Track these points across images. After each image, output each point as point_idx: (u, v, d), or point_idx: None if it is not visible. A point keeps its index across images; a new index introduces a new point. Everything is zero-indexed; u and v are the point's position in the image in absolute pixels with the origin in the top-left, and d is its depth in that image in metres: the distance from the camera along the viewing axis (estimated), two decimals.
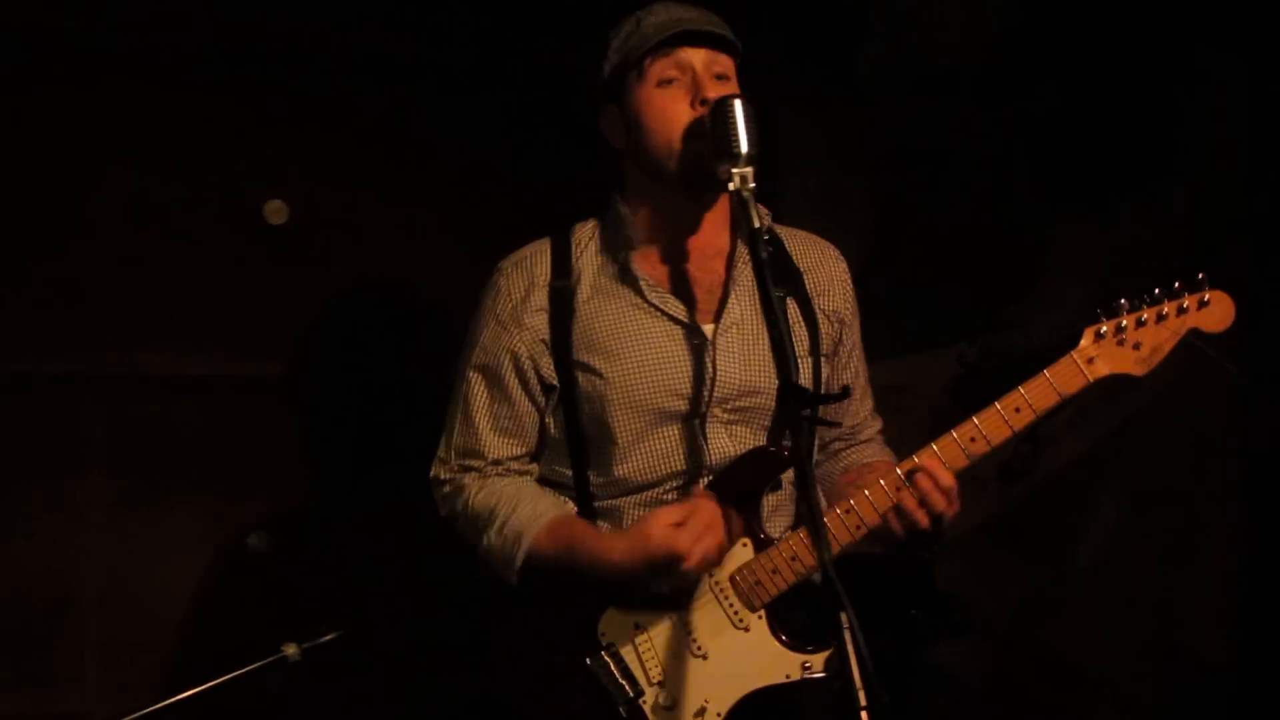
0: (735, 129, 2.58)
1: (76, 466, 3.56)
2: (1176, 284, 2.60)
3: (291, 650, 3.16)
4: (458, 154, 3.79)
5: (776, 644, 2.68)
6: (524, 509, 2.76)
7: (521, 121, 3.82)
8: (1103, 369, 2.61)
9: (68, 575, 3.54)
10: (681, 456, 2.75)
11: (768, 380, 2.71)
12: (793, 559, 2.64)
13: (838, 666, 2.23)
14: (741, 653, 2.68)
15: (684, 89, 2.73)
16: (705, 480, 2.74)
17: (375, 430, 3.74)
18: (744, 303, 2.78)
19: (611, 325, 2.78)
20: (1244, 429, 4.07)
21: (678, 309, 2.78)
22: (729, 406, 2.75)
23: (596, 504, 2.80)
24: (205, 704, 3.13)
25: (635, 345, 2.76)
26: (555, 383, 2.81)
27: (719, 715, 2.67)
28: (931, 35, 4.11)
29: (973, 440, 2.61)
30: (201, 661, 3.31)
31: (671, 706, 2.69)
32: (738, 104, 2.60)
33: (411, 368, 3.75)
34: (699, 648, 2.69)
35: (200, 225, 3.62)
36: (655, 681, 2.70)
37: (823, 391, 2.82)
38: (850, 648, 2.20)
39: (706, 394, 2.75)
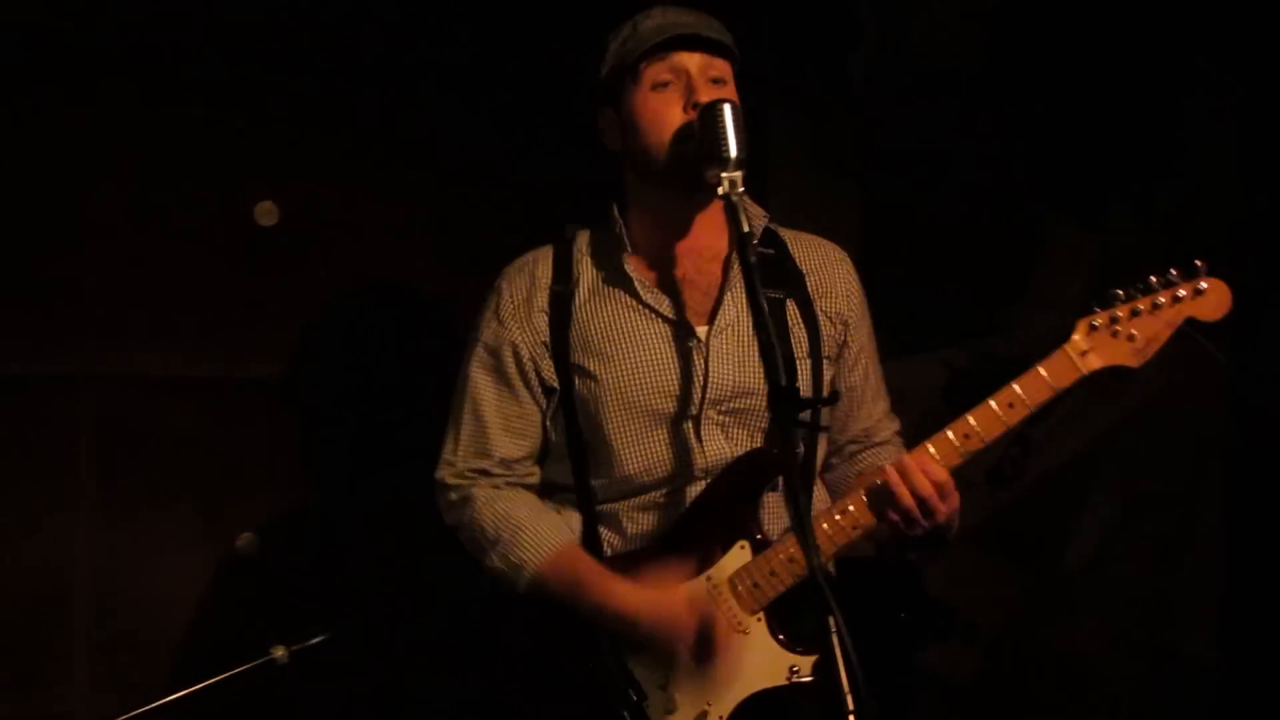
0: (724, 133, 2.59)
1: (68, 467, 3.54)
2: (1173, 272, 2.57)
3: (280, 652, 3.17)
4: (453, 155, 3.78)
5: (776, 646, 2.67)
6: (526, 537, 2.78)
7: (518, 122, 3.81)
8: (1096, 361, 2.58)
9: (58, 576, 3.52)
10: (677, 458, 2.76)
11: (762, 382, 2.70)
12: (790, 561, 2.63)
13: (825, 670, 2.24)
14: (741, 656, 2.67)
15: (678, 93, 2.74)
16: (702, 482, 2.75)
17: (368, 432, 3.74)
18: (739, 305, 2.78)
19: (606, 327, 2.80)
20: (1233, 431, 4.07)
21: (672, 310, 2.79)
22: (723, 408, 2.76)
23: (597, 508, 2.81)
24: (194, 706, 3.14)
25: (629, 347, 2.78)
26: (555, 385, 2.82)
27: (720, 718, 2.67)
28: (925, 37, 4.12)
29: (967, 437, 2.60)
30: (191, 663, 3.33)
31: (673, 710, 2.68)
32: (727, 108, 2.61)
33: (405, 369, 3.75)
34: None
35: (194, 226, 3.60)
36: (658, 685, 2.70)
37: (825, 394, 2.82)
38: (837, 651, 2.21)
39: (699, 396, 2.75)
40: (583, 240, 2.90)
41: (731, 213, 2.54)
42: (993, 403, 2.59)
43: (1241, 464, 4.05)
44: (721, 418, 2.76)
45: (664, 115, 2.73)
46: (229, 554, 3.62)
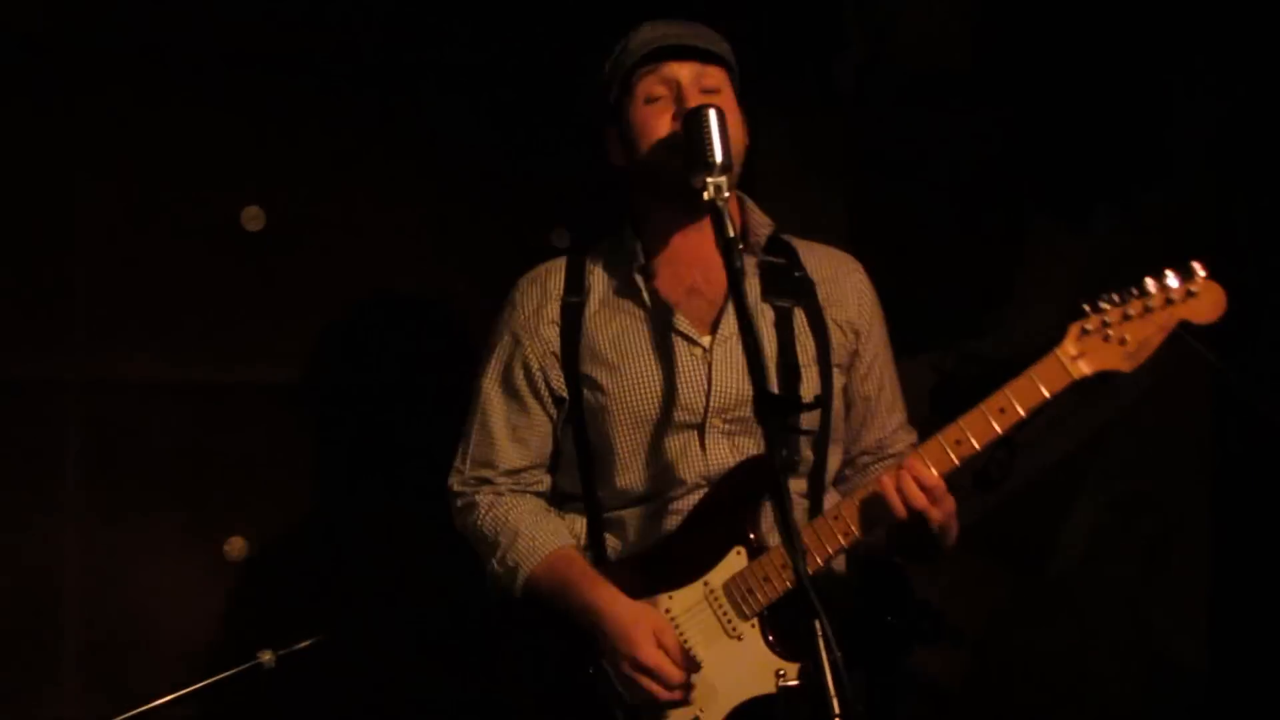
0: (709, 138, 2.60)
1: (56, 471, 3.54)
2: (1167, 274, 2.54)
3: (267, 657, 3.17)
4: (444, 158, 3.79)
5: (766, 652, 2.68)
6: (523, 541, 2.81)
7: (510, 124, 3.82)
8: (1087, 366, 2.56)
9: (47, 580, 3.52)
10: (682, 467, 2.78)
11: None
12: (784, 567, 2.63)
13: (812, 675, 2.24)
14: (734, 661, 2.68)
15: (669, 104, 2.77)
16: (704, 489, 2.76)
17: (358, 436, 3.74)
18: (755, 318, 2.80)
19: (613, 338, 2.83)
20: (1220, 434, 4.07)
21: (677, 320, 2.82)
22: (727, 417, 2.77)
23: (604, 515, 2.84)
24: (182, 710, 3.14)
25: (635, 357, 2.81)
26: (565, 395, 2.85)
27: None
28: (911, 41, 4.12)
29: (958, 443, 2.60)
30: (179, 668, 3.32)
31: (667, 715, 2.69)
32: (711, 113, 2.62)
33: (397, 373, 3.75)
34: (694, 656, 2.70)
35: (184, 229, 3.61)
36: None
37: (834, 402, 2.83)
38: (824, 655, 2.22)
39: (704, 405, 2.77)
40: (597, 251, 2.93)
41: (717, 218, 2.55)
42: (984, 409, 2.58)
43: (1229, 464, 4.05)
44: (727, 426, 2.78)
45: (654, 127, 2.76)
46: (217, 558, 3.62)
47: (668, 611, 2.72)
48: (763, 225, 2.89)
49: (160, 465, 3.60)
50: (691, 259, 2.83)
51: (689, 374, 2.79)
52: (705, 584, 2.71)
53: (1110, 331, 2.55)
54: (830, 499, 2.84)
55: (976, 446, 2.59)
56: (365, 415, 3.73)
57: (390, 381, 3.74)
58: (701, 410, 2.77)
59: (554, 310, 2.88)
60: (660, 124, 2.75)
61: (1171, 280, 2.54)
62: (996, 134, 4.07)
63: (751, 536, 2.71)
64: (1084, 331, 2.57)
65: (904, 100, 4.07)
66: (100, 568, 3.55)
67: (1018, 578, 4.10)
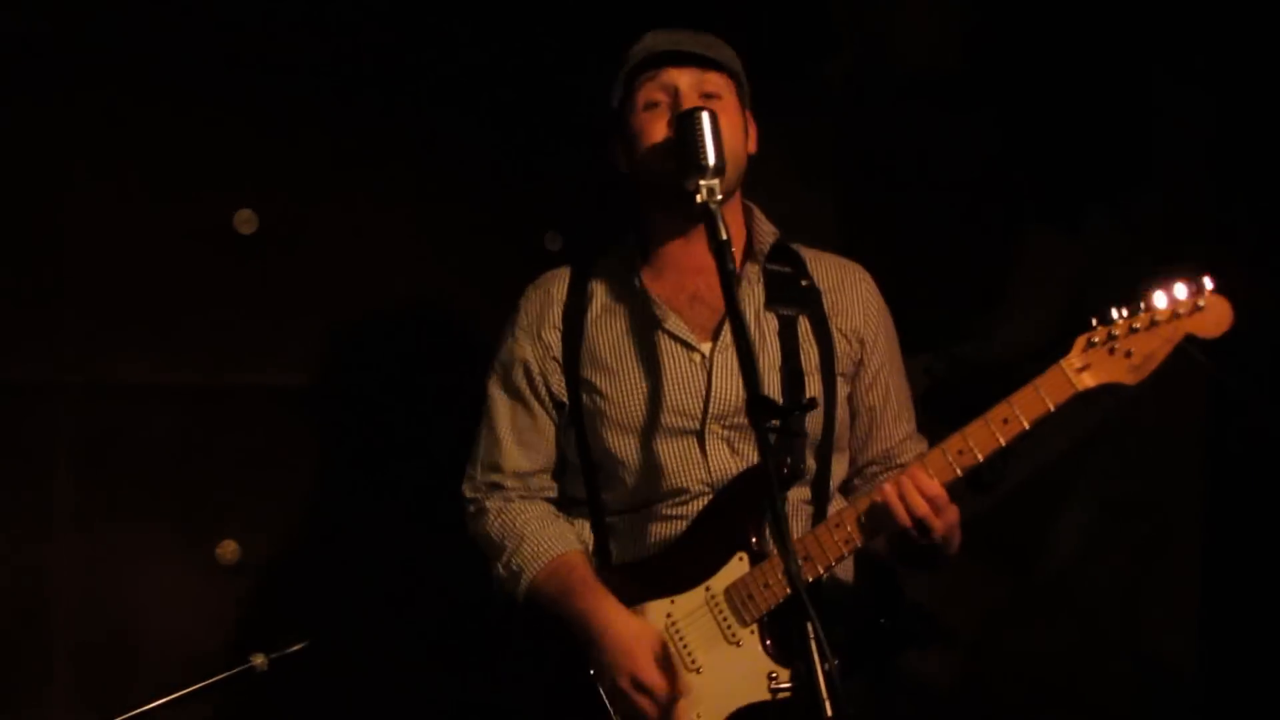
0: (701, 141, 2.61)
1: (45, 475, 3.52)
2: (1176, 286, 2.55)
3: (259, 660, 3.17)
4: (436, 162, 3.79)
5: (762, 657, 2.68)
6: (528, 546, 2.83)
7: (503, 128, 3.82)
8: (1092, 379, 2.58)
9: (36, 585, 3.50)
10: (682, 472, 2.79)
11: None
12: (784, 574, 2.63)
13: (805, 678, 2.24)
14: (732, 667, 2.69)
15: (667, 110, 2.79)
16: (708, 495, 2.77)
17: (350, 439, 3.74)
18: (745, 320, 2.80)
19: (614, 343, 2.85)
20: (1213, 435, 4.08)
21: (678, 326, 2.83)
22: (727, 423, 2.78)
23: (607, 520, 2.86)
24: (173, 714, 3.13)
25: (634, 363, 2.82)
26: (565, 400, 2.87)
27: None
28: (902, 44, 4.12)
29: (960, 453, 2.61)
30: (171, 672, 3.31)
31: None
32: (704, 116, 2.63)
33: (388, 377, 3.75)
34: (693, 661, 2.70)
35: (174, 233, 3.60)
36: None
37: (838, 411, 2.84)
38: (815, 658, 2.22)
39: (702, 411, 2.78)
40: (601, 258, 2.95)
41: (709, 221, 2.56)
42: (988, 419, 2.60)
43: (1222, 465, 4.05)
44: (727, 432, 2.79)
45: (651, 132, 2.78)
46: (209, 561, 3.61)
47: (669, 616, 2.72)
48: (769, 234, 2.91)
49: (152, 468, 3.59)
50: (693, 266, 2.83)
51: (687, 380, 2.80)
52: (707, 589, 2.72)
53: (1116, 344, 2.56)
54: (835, 507, 2.85)
55: (979, 457, 2.61)
56: (358, 418, 3.73)
57: (383, 384, 3.74)
58: (700, 416, 2.79)
59: (557, 315, 2.90)
60: (657, 129, 2.76)
61: (1179, 293, 2.55)
62: (988, 136, 4.06)
63: (754, 542, 2.72)
64: (1090, 344, 2.58)
65: (895, 103, 4.07)
66: (92, 571, 3.53)
67: (1010, 579, 4.10)
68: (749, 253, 2.89)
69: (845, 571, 2.87)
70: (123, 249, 3.57)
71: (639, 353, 2.83)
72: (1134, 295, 2.58)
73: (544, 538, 2.83)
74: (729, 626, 2.69)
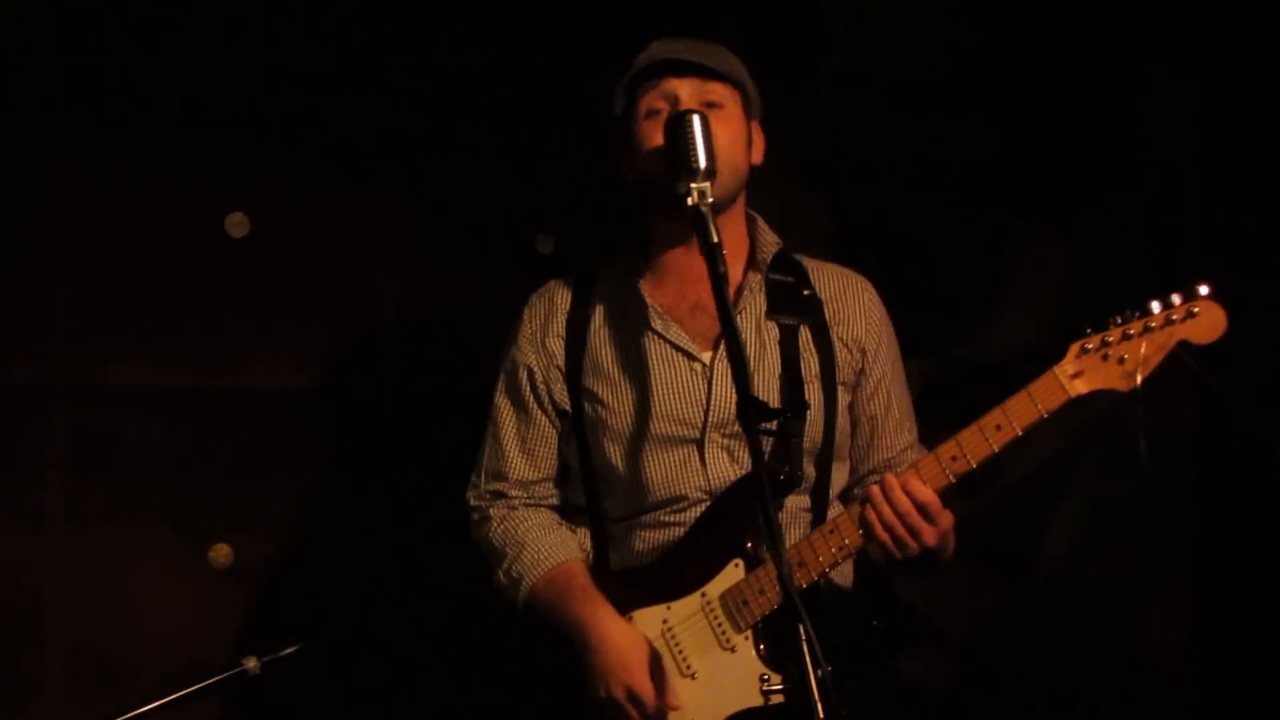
0: (692, 144, 2.61)
1: (36, 478, 3.53)
2: (1173, 294, 2.55)
3: (252, 663, 3.17)
4: (427, 164, 3.79)
5: (755, 662, 2.69)
6: (528, 553, 2.85)
7: (495, 131, 3.82)
8: (1084, 385, 2.58)
9: (29, 589, 3.50)
10: (683, 481, 2.81)
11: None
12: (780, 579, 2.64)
13: (797, 681, 2.25)
14: (726, 673, 2.70)
15: (665, 117, 2.77)
16: (706, 503, 2.78)
17: (342, 442, 3.74)
18: (746, 329, 2.82)
19: (616, 352, 2.86)
20: (1205, 437, 4.08)
21: (679, 335, 2.84)
22: (727, 431, 2.80)
23: (608, 527, 2.87)
24: (166, 717, 3.13)
25: (635, 372, 2.83)
26: (567, 408, 2.88)
27: None
28: (893, 46, 4.12)
29: (954, 459, 2.62)
30: (163, 675, 3.31)
31: None
32: (695, 119, 2.63)
33: (381, 379, 3.75)
34: (688, 667, 2.71)
35: (166, 236, 3.60)
36: None
37: (838, 420, 2.85)
38: (807, 660, 2.22)
39: (702, 420, 2.80)
40: (605, 267, 2.96)
41: (700, 224, 2.56)
42: (981, 426, 2.60)
43: (1214, 468, 4.05)
44: (726, 441, 2.80)
45: (650, 140, 2.79)
46: (202, 565, 3.61)
47: (665, 622, 2.73)
48: (772, 243, 2.92)
49: (144, 472, 3.60)
50: (695, 275, 2.82)
51: (688, 389, 2.82)
52: (703, 595, 2.72)
53: (1110, 350, 2.57)
54: (831, 515, 2.85)
55: (973, 463, 2.62)
56: (349, 421, 3.73)
57: (374, 387, 3.74)
58: (700, 425, 2.80)
59: (560, 324, 2.91)
60: (655, 136, 2.76)
61: (1175, 299, 2.55)
62: (980, 139, 4.07)
63: (749, 548, 2.72)
64: (1084, 350, 2.59)
65: (887, 106, 4.07)
66: (84, 575, 3.53)
67: (1004, 581, 4.10)
68: (751, 262, 2.91)
69: (845, 577, 2.88)
70: (115, 252, 3.57)
71: (640, 362, 2.84)
72: (1126, 299, 2.58)
73: (544, 545, 2.85)
74: (724, 632, 2.70)
